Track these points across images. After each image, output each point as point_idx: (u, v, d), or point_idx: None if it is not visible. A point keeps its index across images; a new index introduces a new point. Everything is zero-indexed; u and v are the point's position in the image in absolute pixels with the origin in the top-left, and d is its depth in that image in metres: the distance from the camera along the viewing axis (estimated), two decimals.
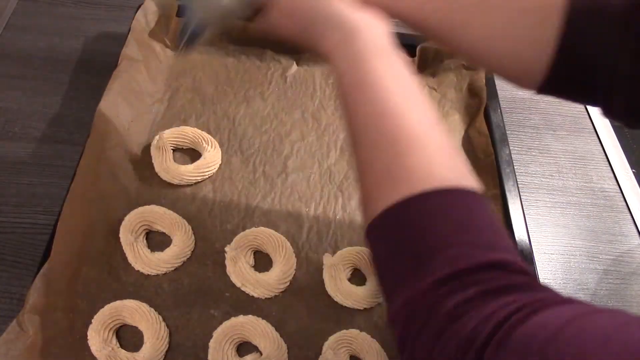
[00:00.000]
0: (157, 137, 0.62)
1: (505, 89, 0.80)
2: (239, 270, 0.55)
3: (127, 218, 0.57)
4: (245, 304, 0.54)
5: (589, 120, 0.78)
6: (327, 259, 0.56)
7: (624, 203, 0.69)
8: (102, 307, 0.52)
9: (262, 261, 0.57)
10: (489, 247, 0.34)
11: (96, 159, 0.58)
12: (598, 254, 0.63)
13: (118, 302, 0.52)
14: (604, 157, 0.74)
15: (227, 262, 0.56)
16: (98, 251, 0.55)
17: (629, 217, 0.66)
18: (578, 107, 0.80)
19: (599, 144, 0.75)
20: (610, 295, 0.60)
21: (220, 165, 0.63)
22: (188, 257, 0.56)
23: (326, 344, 0.51)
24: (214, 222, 0.59)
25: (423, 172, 0.37)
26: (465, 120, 0.70)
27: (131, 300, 0.52)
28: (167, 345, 0.51)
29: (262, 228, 0.58)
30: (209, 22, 0.44)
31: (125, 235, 0.55)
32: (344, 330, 0.52)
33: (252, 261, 0.57)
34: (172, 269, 0.55)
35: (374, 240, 0.38)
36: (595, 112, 0.79)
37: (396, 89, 0.40)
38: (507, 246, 0.35)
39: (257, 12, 0.43)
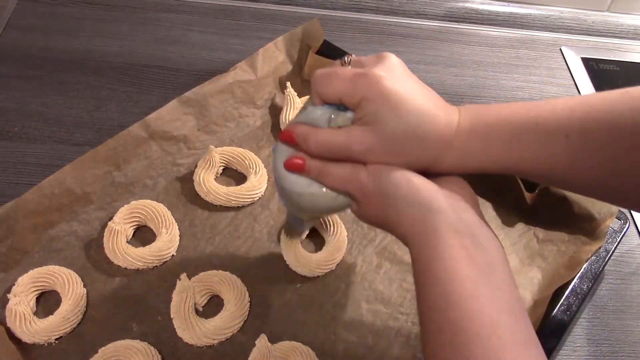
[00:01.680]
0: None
1: (504, 89, 0.80)
2: (183, 311, 0.51)
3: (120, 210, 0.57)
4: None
5: None
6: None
7: None
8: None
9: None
10: None
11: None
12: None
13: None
14: None
15: (174, 295, 0.52)
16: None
17: (629, 217, 0.66)
18: None
19: None
20: (610, 295, 0.60)
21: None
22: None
23: None
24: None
25: None
26: (542, 285, 0.58)
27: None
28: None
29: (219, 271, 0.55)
30: (309, 217, 0.51)
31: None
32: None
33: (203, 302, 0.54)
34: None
35: None
36: None
37: (467, 272, 0.37)
38: None
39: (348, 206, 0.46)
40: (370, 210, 0.43)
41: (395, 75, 0.41)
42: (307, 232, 0.58)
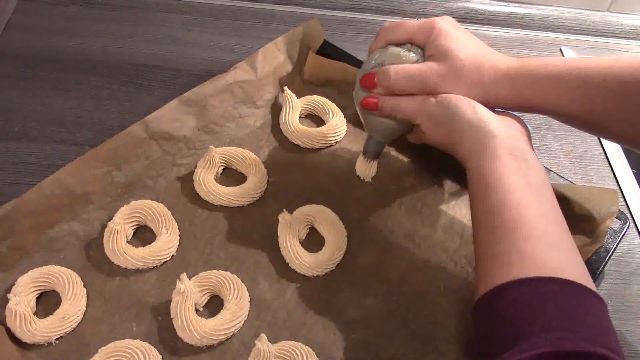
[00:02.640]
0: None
1: None
2: (183, 311, 0.51)
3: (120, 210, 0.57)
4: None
5: None
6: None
7: (624, 203, 0.69)
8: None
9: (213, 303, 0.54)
10: (594, 342, 0.35)
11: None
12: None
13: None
14: (604, 157, 0.74)
15: (174, 295, 0.52)
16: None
17: (629, 217, 0.66)
18: None
19: (599, 144, 0.75)
20: (610, 295, 0.60)
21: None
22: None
23: None
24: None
25: (539, 260, 0.39)
26: None
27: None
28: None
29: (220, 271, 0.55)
30: (382, 140, 0.60)
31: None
32: None
33: (203, 302, 0.54)
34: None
35: (480, 313, 0.41)
36: None
37: (520, 185, 0.43)
38: (613, 347, 0.35)
39: (414, 126, 0.56)
40: (436, 134, 0.52)
41: (452, 23, 0.53)
42: (379, 155, 0.62)
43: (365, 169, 0.63)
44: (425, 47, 0.52)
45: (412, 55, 0.53)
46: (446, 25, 0.52)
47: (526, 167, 0.44)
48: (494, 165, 0.44)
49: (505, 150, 0.45)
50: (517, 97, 0.49)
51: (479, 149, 0.46)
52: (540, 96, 0.48)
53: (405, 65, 0.52)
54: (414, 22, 0.53)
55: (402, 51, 0.53)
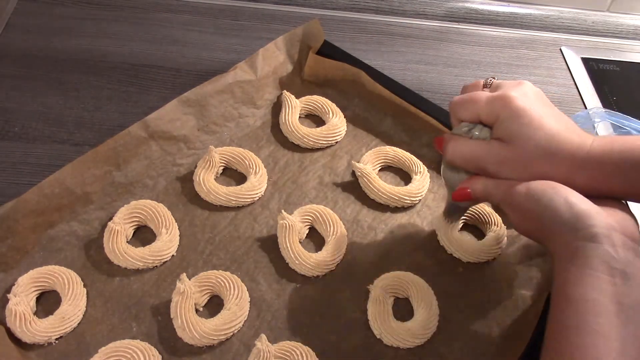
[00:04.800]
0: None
1: None
2: (183, 311, 0.51)
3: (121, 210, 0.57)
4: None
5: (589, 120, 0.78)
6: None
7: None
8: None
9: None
10: None
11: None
12: None
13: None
14: None
15: (174, 295, 0.52)
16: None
17: None
18: (578, 108, 0.80)
19: None
20: None
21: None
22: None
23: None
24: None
25: None
26: (541, 283, 0.57)
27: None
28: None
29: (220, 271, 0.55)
30: (464, 205, 0.55)
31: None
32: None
33: (203, 302, 0.53)
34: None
35: None
36: (595, 112, 0.79)
37: (607, 307, 0.37)
38: None
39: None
40: (525, 227, 0.46)
41: (528, 98, 0.45)
42: (461, 217, 0.59)
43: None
44: (493, 128, 0.46)
45: (480, 132, 0.47)
46: (522, 102, 0.44)
47: (623, 284, 0.37)
48: (581, 276, 0.38)
49: (599, 259, 0.38)
50: (599, 187, 0.43)
51: (570, 252, 0.40)
52: (631, 185, 0.42)
53: (467, 143, 0.47)
54: (482, 98, 0.46)
55: (468, 127, 0.48)
